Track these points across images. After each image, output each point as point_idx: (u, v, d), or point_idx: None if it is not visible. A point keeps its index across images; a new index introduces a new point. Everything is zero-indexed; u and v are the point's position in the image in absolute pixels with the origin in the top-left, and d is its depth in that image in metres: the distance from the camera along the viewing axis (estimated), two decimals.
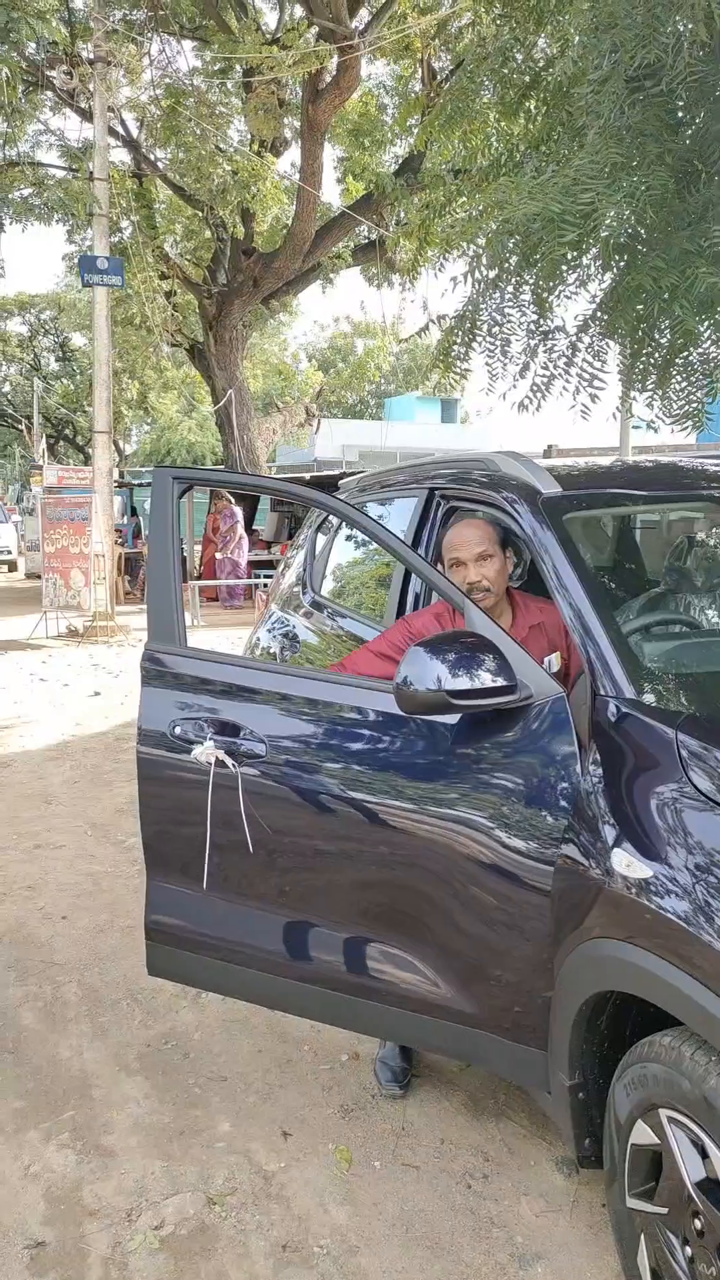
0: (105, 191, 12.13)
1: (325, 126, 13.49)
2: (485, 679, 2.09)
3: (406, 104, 13.46)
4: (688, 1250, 1.70)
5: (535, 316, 4.46)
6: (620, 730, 2.03)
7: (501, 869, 2.08)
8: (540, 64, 5.14)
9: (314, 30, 12.25)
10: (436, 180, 11.70)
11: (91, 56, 12.17)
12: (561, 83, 4.60)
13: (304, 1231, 2.17)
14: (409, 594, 3.05)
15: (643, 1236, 1.83)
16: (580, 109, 4.30)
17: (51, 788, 5.55)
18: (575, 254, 4.07)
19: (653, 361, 4.33)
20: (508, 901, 2.08)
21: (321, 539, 4.26)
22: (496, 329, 4.52)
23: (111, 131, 13.56)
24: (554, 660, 2.53)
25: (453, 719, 2.22)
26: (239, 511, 14.57)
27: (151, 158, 15.47)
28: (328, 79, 12.49)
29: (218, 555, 14.33)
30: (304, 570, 4.24)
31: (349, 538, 4.14)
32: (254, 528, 18.00)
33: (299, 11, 13.16)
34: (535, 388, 4.38)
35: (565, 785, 2.02)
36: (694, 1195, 1.66)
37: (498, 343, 4.54)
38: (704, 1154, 1.66)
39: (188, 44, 14.33)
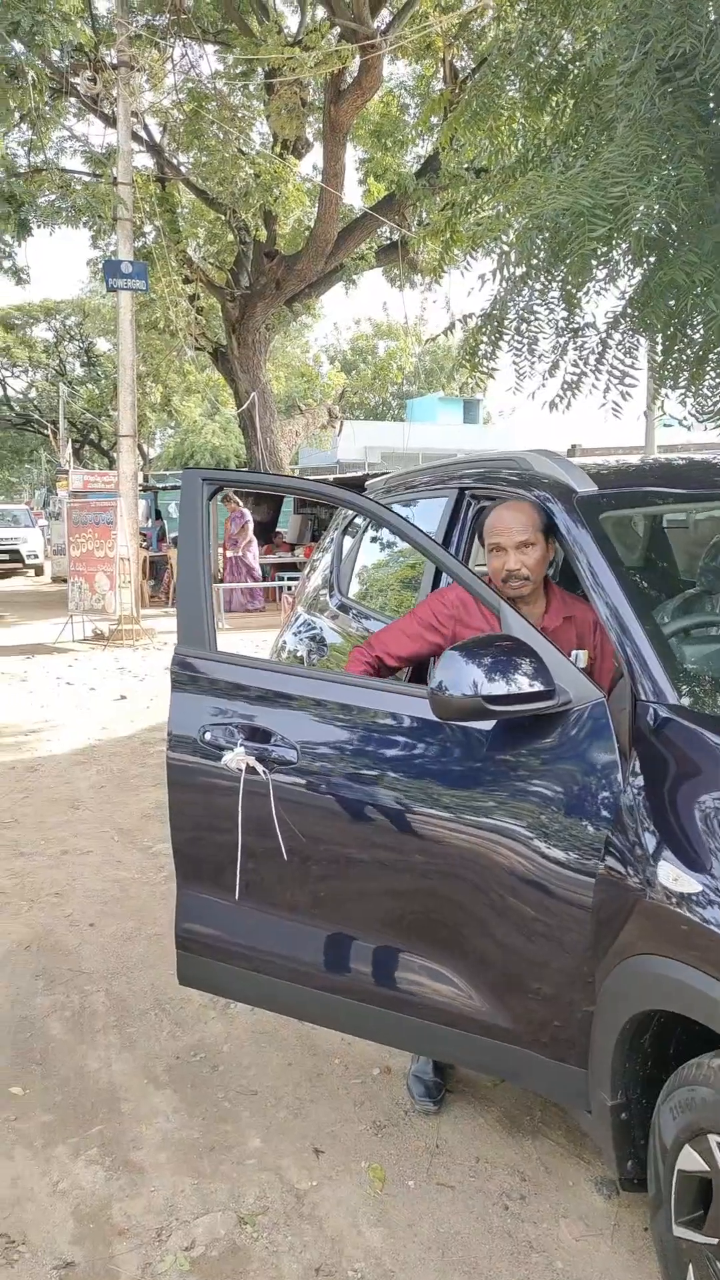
0: (129, 196, 12.16)
1: (347, 127, 13.45)
2: (522, 683, 2.03)
3: (429, 103, 13.40)
4: None
5: (564, 314, 4.39)
6: (662, 736, 1.96)
7: (540, 880, 2.01)
8: (567, 57, 5.06)
9: (336, 31, 12.22)
10: (457, 180, 11.65)
11: (115, 62, 12.21)
12: (590, 75, 4.52)
13: (337, 1254, 2.11)
14: None
15: (690, 1266, 1.76)
16: (610, 101, 4.22)
17: (78, 792, 5.53)
18: (605, 249, 4.00)
19: (685, 358, 4.24)
20: (546, 913, 2.01)
21: (348, 541, 4.21)
22: (524, 327, 4.45)
23: (135, 136, 13.59)
24: (581, 657, 2.46)
25: (488, 724, 2.16)
26: (248, 514, 14.56)
27: (174, 162, 15.51)
28: (349, 79, 12.45)
29: (228, 554, 14.31)
30: (330, 573, 4.19)
31: (375, 539, 4.09)
32: (277, 530, 18.01)
33: (320, 13, 13.13)
34: (566, 385, 4.30)
35: (606, 794, 1.95)
36: None
37: (525, 341, 4.47)
38: None
39: (210, 48, 14.35)
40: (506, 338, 4.55)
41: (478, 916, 2.15)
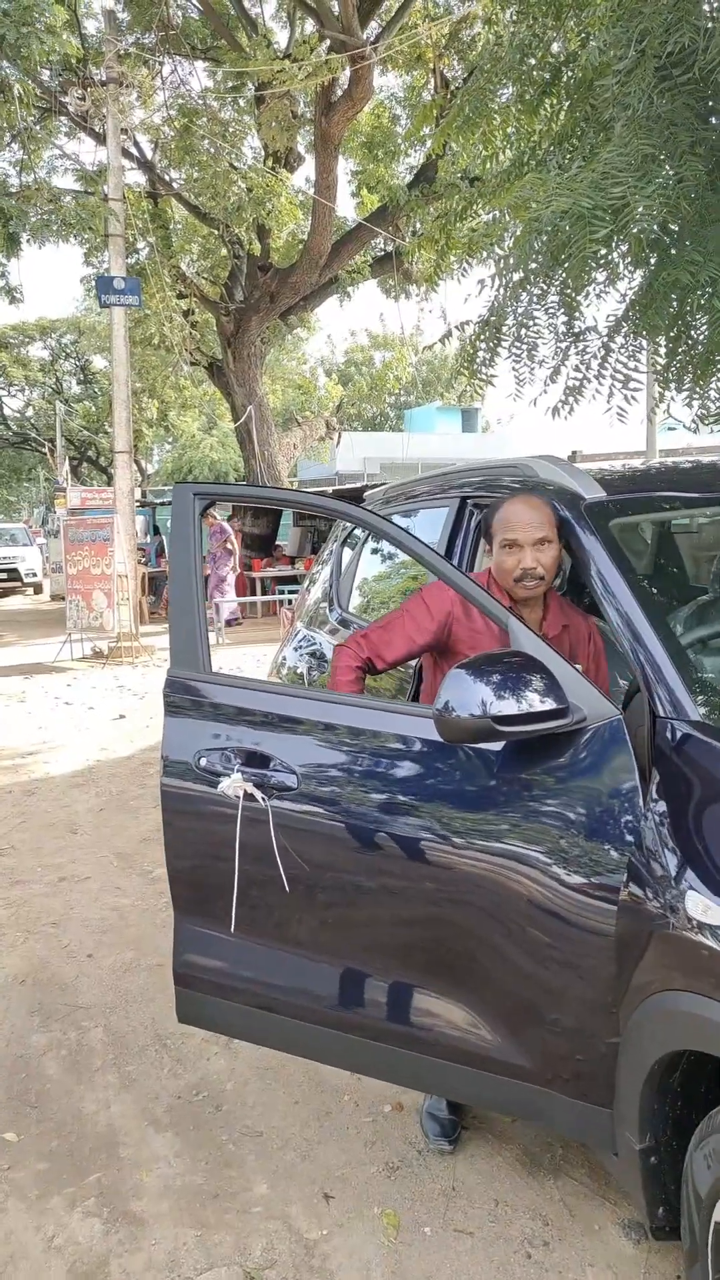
0: (120, 212, 12.12)
1: (338, 139, 13.43)
2: (534, 701, 1.91)
3: (420, 112, 13.38)
4: None
5: (564, 318, 4.29)
6: (683, 754, 1.85)
7: (557, 908, 1.89)
8: (560, 59, 4.98)
9: (325, 44, 12.20)
10: (451, 188, 11.60)
11: (104, 79, 12.19)
12: (585, 76, 4.44)
13: None
14: None
15: None
16: (606, 101, 4.14)
17: (76, 816, 5.41)
18: (605, 251, 3.91)
19: (689, 359, 4.15)
20: (565, 942, 1.89)
21: (348, 553, 4.11)
22: (523, 332, 4.36)
23: (126, 153, 13.57)
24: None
25: (498, 745, 2.04)
26: (228, 527, 14.41)
27: (166, 178, 15.49)
28: (340, 91, 12.43)
29: (207, 572, 14.18)
30: (330, 586, 4.09)
31: (375, 551, 3.99)
32: (277, 542, 17.93)
33: (310, 27, 13.13)
34: (568, 391, 4.20)
35: (627, 817, 1.84)
36: None
37: (524, 347, 4.38)
38: None
39: (199, 64, 14.35)
40: (505, 344, 4.45)
41: (491, 945, 2.03)
